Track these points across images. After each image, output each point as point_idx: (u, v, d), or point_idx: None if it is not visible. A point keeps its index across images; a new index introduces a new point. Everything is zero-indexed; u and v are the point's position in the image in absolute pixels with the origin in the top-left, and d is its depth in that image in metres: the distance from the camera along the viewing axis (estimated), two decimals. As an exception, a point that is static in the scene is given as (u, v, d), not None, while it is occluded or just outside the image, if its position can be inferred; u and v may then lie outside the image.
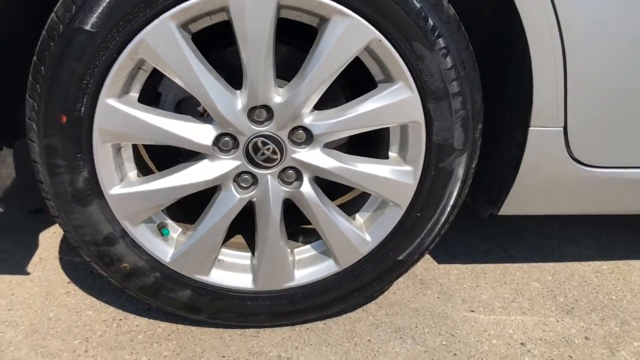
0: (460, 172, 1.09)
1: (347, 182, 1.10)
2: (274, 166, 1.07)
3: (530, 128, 1.07)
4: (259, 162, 1.06)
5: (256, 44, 0.94)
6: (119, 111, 0.98)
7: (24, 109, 0.99)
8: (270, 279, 1.18)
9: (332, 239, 1.15)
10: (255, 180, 1.09)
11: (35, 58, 0.95)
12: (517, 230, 1.62)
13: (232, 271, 1.19)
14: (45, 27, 0.93)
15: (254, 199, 1.10)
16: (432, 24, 0.96)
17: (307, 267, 1.20)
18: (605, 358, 1.16)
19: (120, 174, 1.06)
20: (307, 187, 1.10)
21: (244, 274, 1.19)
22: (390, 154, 1.12)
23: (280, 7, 0.94)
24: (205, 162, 1.06)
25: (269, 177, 1.08)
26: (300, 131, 1.05)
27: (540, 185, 1.15)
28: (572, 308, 1.32)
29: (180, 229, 1.17)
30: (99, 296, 1.33)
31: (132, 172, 1.10)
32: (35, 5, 1.06)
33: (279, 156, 1.06)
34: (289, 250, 1.18)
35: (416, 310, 1.31)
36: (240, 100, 1.01)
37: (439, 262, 1.48)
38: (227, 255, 1.20)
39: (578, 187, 1.16)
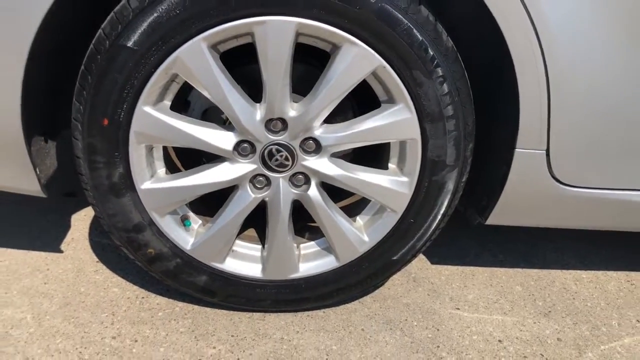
0: (451, 185, 1.21)
1: (350, 189, 1.22)
2: (286, 171, 1.19)
3: (516, 149, 1.18)
4: (273, 166, 1.18)
5: (276, 66, 1.06)
6: (153, 117, 1.10)
7: (65, 109, 1.12)
8: (277, 270, 1.30)
9: (334, 238, 1.27)
10: (268, 182, 1.21)
11: (83, 67, 1.07)
12: (508, 238, 1.72)
13: (244, 261, 1.31)
14: (93, 42, 1.05)
15: (267, 199, 1.23)
16: (431, 54, 1.07)
17: (310, 261, 1.32)
18: (573, 358, 1.28)
19: (151, 171, 1.19)
20: (314, 191, 1.22)
21: (254, 264, 1.31)
22: (390, 165, 1.24)
23: (298, 35, 1.05)
24: (225, 165, 1.19)
25: (280, 180, 1.20)
26: (311, 141, 1.17)
27: (524, 200, 1.26)
28: (549, 311, 1.43)
29: (200, 221, 1.30)
30: (124, 275, 1.47)
31: (161, 170, 1.23)
32: (81, 21, 1.18)
33: (290, 162, 1.18)
34: (295, 245, 1.30)
35: (407, 305, 1.43)
36: (259, 112, 1.13)
37: (432, 262, 1.60)
38: (241, 246, 1.32)
39: (558, 204, 1.26)
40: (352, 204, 1.43)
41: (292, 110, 1.13)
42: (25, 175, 1.18)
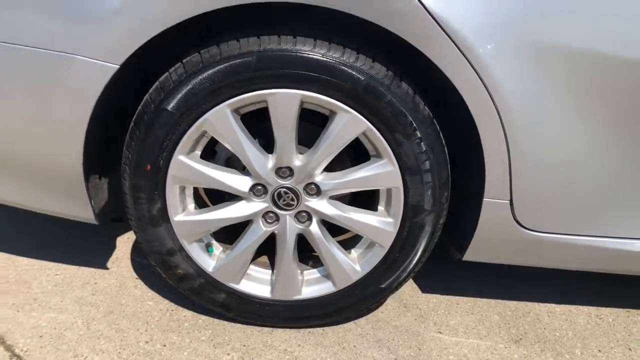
0: (429, 227, 1.42)
1: (345, 226, 1.44)
2: (292, 209, 1.43)
3: (485, 199, 1.38)
4: (281, 205, 1.42)
5: (284, 126, 1.30)
6: (186, 164, 1.36)
7: (116, 155, 1.39)
8: (283, 292, 1.52)
9: (332, 267, 1.49)
10: (277, 218, 1.45)
11: (132, 124, 1.34)
12: (492, 272, 1.90)
13: (256, 283, 1.53)
14: (141, 105, 1.32)
15: (276, 232, 1.46)
16: (409, 120, 1.29)
17: (312, 286, 1.53)
18: (535, 379, 1.46)
19: (183, 206, 1.44)
20: (315, 227, 1.45)
21: (265, 286, 1.54)
22: (379, 207, 1.46)
23: (302, 103, 1.30)
24: (242, 203, 1.43)
25: (287, 217, 1.44)
26: (313, 186, 1.40)
27: (494, 241, 1.45)
28: (520, 339, 1.61)
29: (221, 248, 1.54)
30: (158, 291, 1.71)
31: (191, 205, 1.48)
32: (130, 90, 1.45)
33: (295, 202, 1.42)
34: (299, 271, 1.53)
35: (396, 327, 1.63)
36: (270, 161, 1.37)
37: (423, 291, 1.79)
38: (254, 270, 1.55)
39: (523, 246, 1.45)
40: (349, 238, 1.65)
41: (297, 161, 1.37)
42: (83, 206, 1.44)
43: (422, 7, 1.15)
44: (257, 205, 1.42)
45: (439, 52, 1.19)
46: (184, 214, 1.43)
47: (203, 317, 1.62)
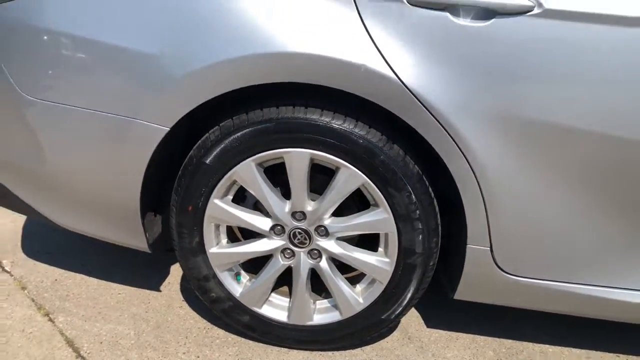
0: (420, 267, 1.62)
1: (350, 263, 1.67)
2: (305, 247, 1.68)
3: (468, 245, 1.58)
4: (296, 243, 1.68)
5: (297, 178, 1.57)
6: (220, 207, 1.65)
7: (166, 197, 1.71)
8: (298, 318, 1.76)
9: (339, 299, 1.71)
10: (293, 254, 1.70)
11: (179, 173, 1.65)
12: (494, 312, 2.05)
13: (276, 308, 1.77)
14: (187, 159, 1.63)
15: (292, 266, 1.71)
16: (399, 176, 1.52)
17: (322, 314, 1.76)
18: (516, 410, 1.59)
19: (217, 240, 1.73)
20: (324, 263, 1.69)
21: (283, 311, 1.78)
22: (379, 248, 1.68)
23: (312, 160, 1.56)
24: (264, 240, 1.70)
25: (301, 253, 1.69)
26: (322, 228, 1.65)
27: (479, 282, 1.63)
28: (510, 374, 1.75)
29: (248, 277, 1.81)
30: (198, 312, 1.99)
31: (224, 240, 1.76)
32: (176, 149, 1.77)
33: (308, 242, 1.67)
34: (312, 300, 1.76)
35: (398, 356, 1.82)
36: (287, 206, 1.63)
37: (428, 325, 1.96)
38: (275, 297, 1.80)
39: (506, 288, 1.62)
40: (358, 274, 1.87)
41: (309, 206, 1.62)
42: (139, 237, 1.76)
43: (404, 86, 1.39)
44: (276, 242, 1.69)
45: (419, 121, 1.42)
46: (217, 247, 1.72)
47: (233, 335, 1.87)
